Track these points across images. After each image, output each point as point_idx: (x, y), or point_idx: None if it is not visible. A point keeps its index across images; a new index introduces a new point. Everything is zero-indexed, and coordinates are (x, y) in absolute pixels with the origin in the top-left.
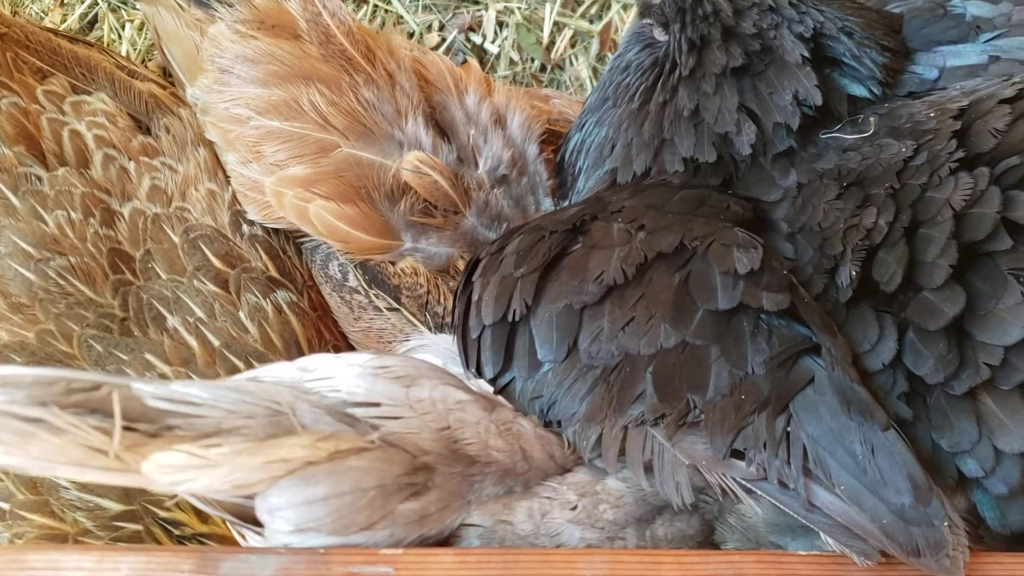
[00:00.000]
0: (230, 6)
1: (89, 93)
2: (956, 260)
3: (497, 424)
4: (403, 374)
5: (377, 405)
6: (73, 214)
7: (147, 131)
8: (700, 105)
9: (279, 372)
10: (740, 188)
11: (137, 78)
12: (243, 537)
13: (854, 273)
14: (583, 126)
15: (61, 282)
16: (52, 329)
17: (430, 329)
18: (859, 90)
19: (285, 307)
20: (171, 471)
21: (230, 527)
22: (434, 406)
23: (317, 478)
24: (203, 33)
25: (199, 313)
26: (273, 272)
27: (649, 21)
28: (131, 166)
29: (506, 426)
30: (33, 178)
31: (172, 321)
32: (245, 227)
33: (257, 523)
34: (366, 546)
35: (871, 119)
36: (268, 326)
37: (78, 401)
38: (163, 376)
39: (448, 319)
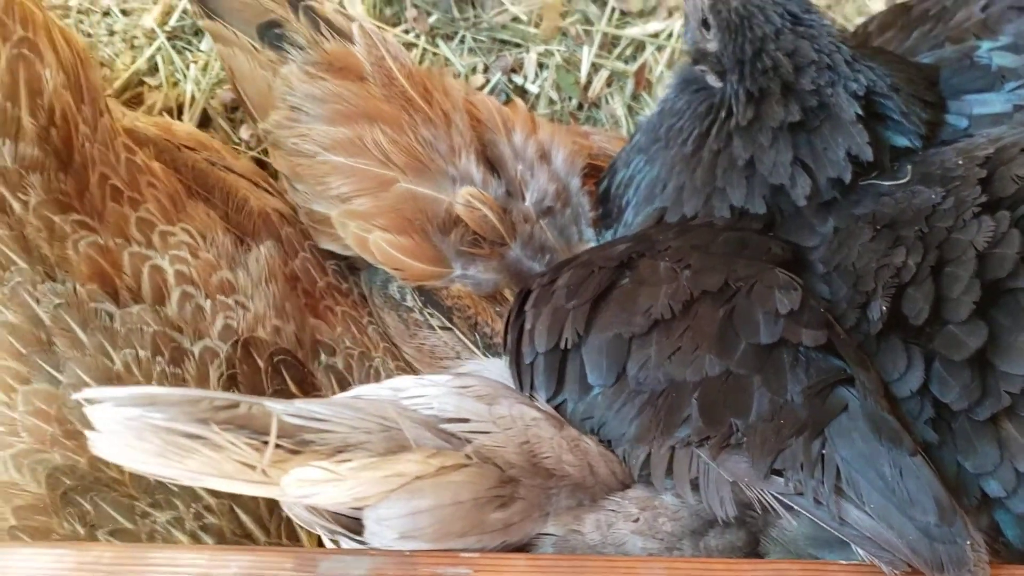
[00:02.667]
0: (301, 49)
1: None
2: (979, 297)
3: (567, 440)
4: (484, 393)
5: (467, 421)
6: (141, 352)
7: (244, 243)
8: (755, 156)
9: (376, 391)
10: (780, 232)
11: (257, 190)
12: (336, 543)
13: (884, 308)
14: (630, 163)
15: None
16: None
17: (478, 348)
18: (903, 142)
19: None
20: (305, 485)
21: (324, 534)
22: (514, 422)
23: (423, 491)
24: (275, 73)
25: None
26: None
27: (703, 67)
28: (207, 304)
29: (575, 442)
30: (104, 314)
31: None
32: (324, 356)
33: (356, 531)
34: (456, 550)
35: (908, 167)
36: None
37: (227, 419)
38: None
39: (495, 339)
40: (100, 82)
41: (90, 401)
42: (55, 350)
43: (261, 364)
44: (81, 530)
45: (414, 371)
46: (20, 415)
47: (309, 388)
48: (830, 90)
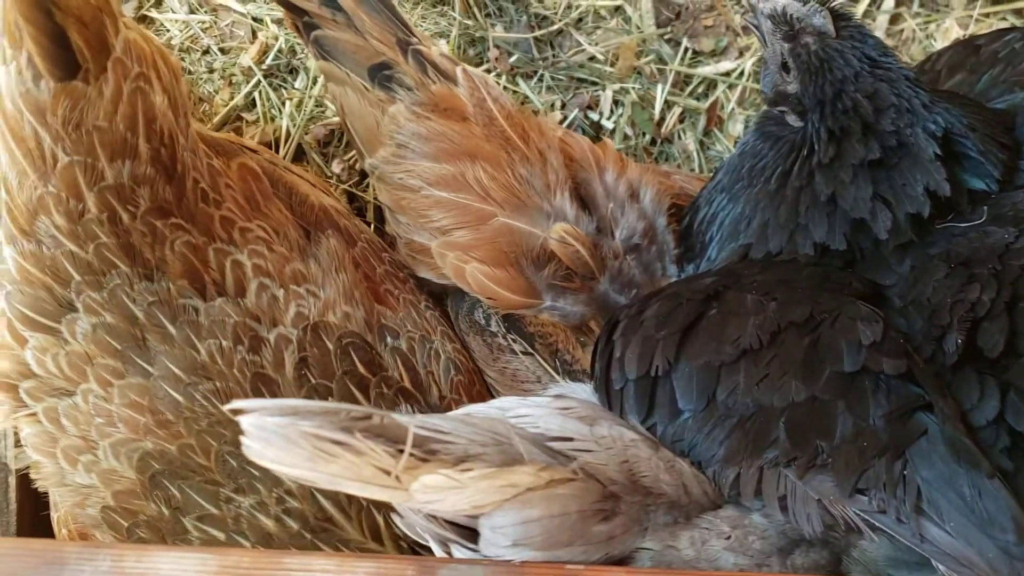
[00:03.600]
0: (409, 89)
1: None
2: None
3: (663, 461)
4: (585, 414)
5: (571, 440)
6: (224, 342)
7: (309, 236)
8: (837, 192)
9: (484, 410)
10: (859, 271)
11: (314, 189)
12: (447, 552)
13: (960, 341)
14: (712, 201)
15: (205, 403)
16: (193, 444)
17: (559, 373)
18: (979, 184)
19: None
20: (430, 491)
21: (435, 543)
22: (614, 442)
23: (534, 502)
24: (383, 112)
25: None
26: (407, 383)
27: (783, 108)
28: (280, 294)
29: (670, 463)
30: (191, 309)
31: None
32: (389, 339)
33: (468, 538)
34: (562, 561)
35: (983, 208)
36: None
37: (365, 428)
38: None
39: (575, 366)
40: (187, 91)
41: (240, 411)
42: (148, 345)
43: (330, 347)
44: (166, 512)
45: (475, 366)
46: (116, 407)
47: (377, 369)
48: (909, 130)
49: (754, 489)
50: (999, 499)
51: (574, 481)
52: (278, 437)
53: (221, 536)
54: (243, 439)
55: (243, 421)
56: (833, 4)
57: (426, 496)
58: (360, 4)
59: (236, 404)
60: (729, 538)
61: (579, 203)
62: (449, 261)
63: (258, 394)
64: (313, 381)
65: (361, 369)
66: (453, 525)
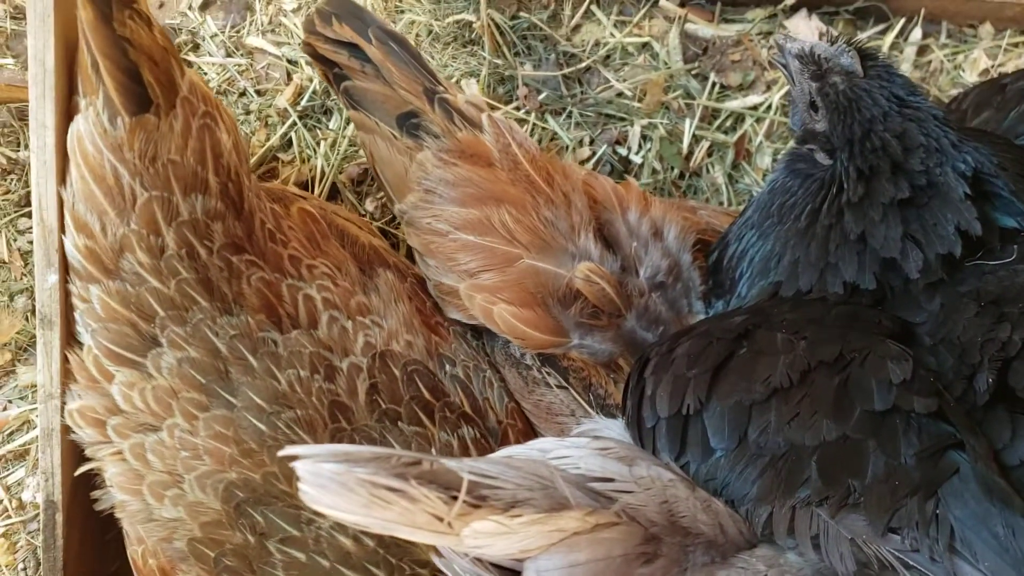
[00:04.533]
0: (436, 137)
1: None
2: None
3: (700, 501)
4: (624, 455)
5: (611, 480)
6: (302, 372)
7: (365, 272)
8: (867, 231)
9: (525, 452)
10: (888, 309)
11: (361, 232)
12: None
13: (991, 380)
14: (742, 237)
15: (287, 431)
16: (276, 471)
17: (592, 407)
18: (1010, 223)
19: (469, 442)
20: (480, 537)
21: None
22: (653, 483)
23: (580, 546)
24: (411, 159)
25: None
26: (467, 408)
27: (812, 147)
28: (349, 325)
29: (707, 503)
30: (270, 341)
31: None
32: (447, 367)
33: None
34: None
35: (1013, 247)
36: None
37: (418, 474)
38: None
39: (608, 400)
40: (243, 137)
41: (296, 457)
42: (231, 377)
43: (397, 374)
44: (251, 539)
45: (517, 400)
46: (202, 440)
47: (440, 395)
48: (939, 170)
49: (787, 528)
50: None
51: (618, 525)
52: (334, 483)
53: (302, 557)
54: (300, 485)
55: (299, 468)
56: (861, 43)
57: (476, 541)
58: (388, 55)
59: (289, 451)
60: None
61: (603, 243)
62: (477, 303)
63: (335, 420)
64: (384, 406)
65: (426, 394)
66: (496, 567)
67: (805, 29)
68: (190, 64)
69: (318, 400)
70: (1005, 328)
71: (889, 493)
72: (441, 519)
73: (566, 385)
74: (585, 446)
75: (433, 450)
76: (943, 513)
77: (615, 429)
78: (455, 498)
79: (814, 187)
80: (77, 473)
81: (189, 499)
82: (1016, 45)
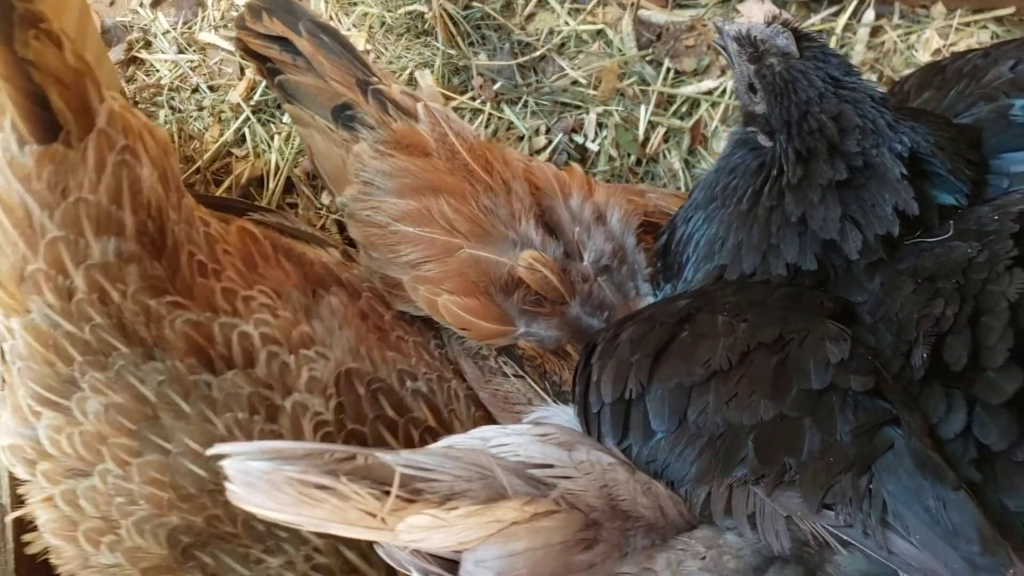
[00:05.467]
0: (371, 128)
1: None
2: (1013, 344)
3: (640, 484)
4: (564, 440)
5: (551, 467)
6: (240, 414)
7: (309, 295)
8: (806, 213)
9: (465, 441)
10: (831, 289)
11: (313, 244)
12: None
13: (925, 355)
14: (689, 220)
15: None
16: (219, 513)
17: (548, 395)
18: (949, 200)
19: None
20: (416, 531)
21: (417, 575)
22: (593, 467)
23: (518, 535)
24: (348, 151)
25: None
26: (432, 423)
27: (754, 129)
28: (291, 360)
29: (647, 486)
30: (203, 384)
31: None
32: (408, 382)
33: (451, 571)
34: None
35: (950, 223)
36: None
37: (350, 469)
38: None
39: (564, 388)
40: (179, 167)
41: (223, 456)
42: (162, 423)
43: (362, 391)
44: None
45: (481, 401)
46: (137, 485)
47: (404, 411)
48: (875, 151)
49: (724, 507)
50: (964, 511)
51: (557, 512)
52: (263, 482)
53: None
54: (227, 484)
55: (226, 466)
56: (795, 24)
57: (412, 536)
58: (319, 48)
59: (219, 449)
60: (704, 558)
61: (545, 229)
62: (421, 294)
63: None
64: (348, 427)
65: (391, 412)
66: (436, 558)
67: (758, 13)
68: (140, 62)
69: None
70: (939, 304)
71: (824, 470)
72: (374, 515)
73: (522, 374)
74: (525, 433)
75: None
76: (876, 488)
77: (567, 416)
78: (388, 492)
79: (755, 169)
80: (8, 519)
81: (127, 545)
82: (968, 24)
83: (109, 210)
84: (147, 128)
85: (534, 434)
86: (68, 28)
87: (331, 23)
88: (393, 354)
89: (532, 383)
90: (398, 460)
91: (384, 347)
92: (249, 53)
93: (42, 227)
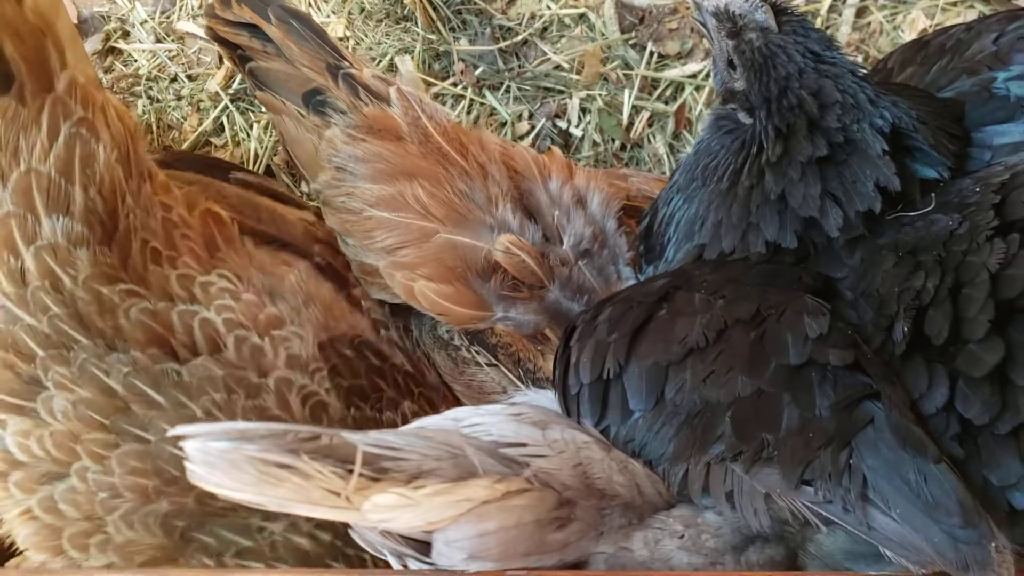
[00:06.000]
0: (343, 113)
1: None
2: (994, 315)
3: (616, 462)
4: (537, 419)
5: (524, 445)
6: (217, 395)
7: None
8: (786, 190)
9: (437, 422)
10: (810, 266)
11: (290, 205)
12: (404, 565)
13: (906, 329)
14: (670, 201)
15: None
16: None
17: (523, 382)
18: (931, 173)
19: (412, 417)
20: (383, 510)
21: (391, 556)
22: (567, 445)
23: (490, 514)
24: (320, 137)
25: None
26: (408, 367)
27: (733, 106)
28: (264, 342)
29: (623, 464)
30: (172, 372)
31: None
32: (383, 331)
33: (424, 552)
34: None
35: (932, 195)
36: None
37: (313, 449)
38: None
39: (538, 374)
40: (146, 153)
41: (184, 437)
42: (135, 413)
43: (348, 353)
44: (209, 561)
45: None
46: (118, 478)
47: (385, 359)
48: (856, 127)
49: (702, 485)
50: (944, 484)
51: (530, 491)
52: (223, 462)
53: (261, 565)
54: (187, 464)
55: (186, 446)
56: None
57: (379, 515)
58: (288, 33)
59: (179, 430)
60: (682, 537)
61: (524, 213)
62: (398, 280)
63: None
64: (346, 384)
65: (375, 361)
66: (408, 539)
67: None
68: (118, 52)
69: (246, 419)
70: (920, 277)
71: (803, 445)
72: (338, 494)
73: (496, 363)
74: (499, 412)
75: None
76: (856, 463)
77: (544, 400)
78: (352, 471)
79: (735, 147)
80: None
81: (118, 541)
82: (954, 4)
83: (59, 183)
84: (116, 109)
85: (508, 414)
86: None
87: (304, 9)
88: (365, 307)
89: (506, 371)
90: (364, 439)
91: (353, 307)
92: (220, 41)
93: None
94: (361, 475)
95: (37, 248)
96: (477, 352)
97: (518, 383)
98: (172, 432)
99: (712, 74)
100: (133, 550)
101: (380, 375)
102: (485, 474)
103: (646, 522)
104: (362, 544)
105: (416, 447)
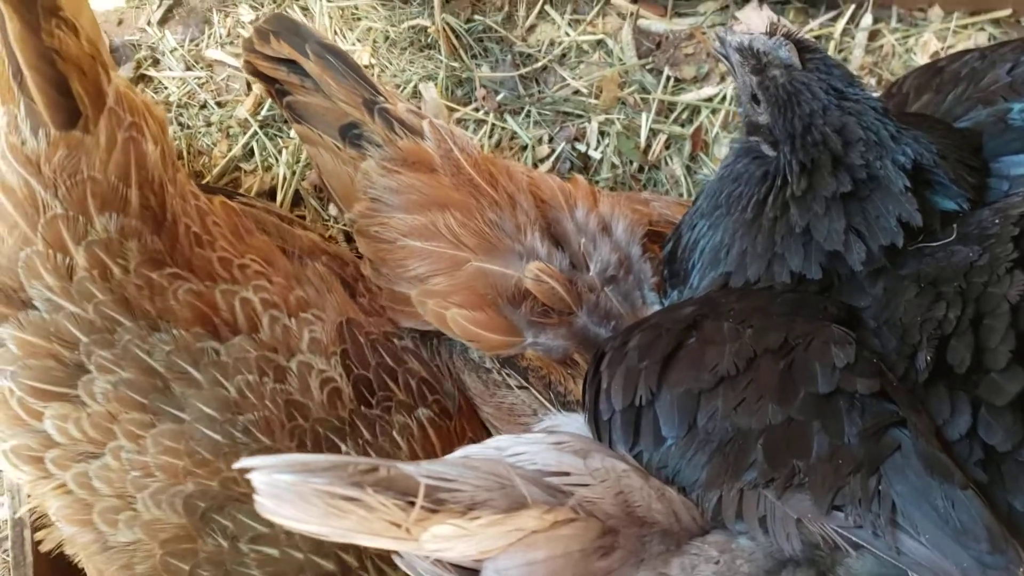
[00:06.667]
0: (378, 146)
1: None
2: (1015, 346)
3: (654, 490)
4: (579, 447)
5: (567, 474)
6: (250, 376)
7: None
8: (811, 224)
9: (481, 451)
10: (834, 295)
11: (295, 226)
12: None
13: (929, 358)
14: (694, 227)
15: (245, 437)
16: (235, 476)
17: (553, 405)
18: (951, 206)
19: (427, 424)
20: (440, 540)
21: None
22: (608, 474)
23: (538, 544)
24: (356, 168)
25: (367, 436)
26: (425, 374)
27: (757, 138)
28: (292, 323)
29: (661, 492)
30: (211, 351)
31: (345, 448)
32: (396, 340)
33: None
34: None
35: (952, 226)
36: (414, 441)
37: (375, 481)
38: None
39: (568, 397)
40: (173, 143)
41: (248, 469)
42: (173, 392)
43: (362, 340)
44: (224, 543)
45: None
46: (152, 457)
47: (400, 361)
48: (879, 163)
49: (736, 511)
50: (972, 510)
51: (576, 521)
52: (291, 494)
53: (275, 553)
54: (256, 497)
55: (254, 479)
56: (798, 36)
57: (435, 545)
58: (326, 69)
59: (245, 463)
60: (718, 563)
61: (551, 241)
62: (429, 308)
63: (292, 420)
64: (355, 371)
65: (389, 361)
66: (456, 567)
67: (757, 20)
68: (148, 79)
69: (272, 402)
70: (941, 307)
71: (832, 472)
72: (399, 525)
73: (526, 385)
74: (541, 441)
75: (394, 432)
76: (885, 489)
77: (575, 423)
78: (412, 503)
79: (759, 178)
80: (16, 516)
81: (145, 518)
82: (965, 27)
83: (116, 187)
84: (147, 105)
85: (549, 442)
86: (72, 12)
87: (336, 43)
88: (381, 319)
89: (537, 394)
90: (420, 471)
91: (367, 313)
92: (258, 75)
93: (44, 206)
94: (423, 508)
95: (88, 244)
96: (508, 375)
97: (548, 406)
98: (237, 465)
99: (739, 106)
100: (158, 527)
101: (391, 375)
102: (534, 504)
103: (683, 548)
104: (407, 571)
105: (468, 478)
